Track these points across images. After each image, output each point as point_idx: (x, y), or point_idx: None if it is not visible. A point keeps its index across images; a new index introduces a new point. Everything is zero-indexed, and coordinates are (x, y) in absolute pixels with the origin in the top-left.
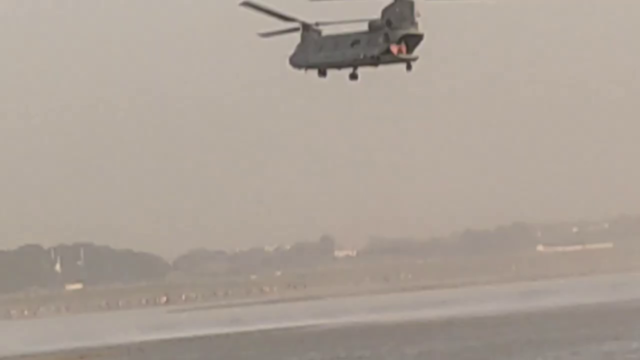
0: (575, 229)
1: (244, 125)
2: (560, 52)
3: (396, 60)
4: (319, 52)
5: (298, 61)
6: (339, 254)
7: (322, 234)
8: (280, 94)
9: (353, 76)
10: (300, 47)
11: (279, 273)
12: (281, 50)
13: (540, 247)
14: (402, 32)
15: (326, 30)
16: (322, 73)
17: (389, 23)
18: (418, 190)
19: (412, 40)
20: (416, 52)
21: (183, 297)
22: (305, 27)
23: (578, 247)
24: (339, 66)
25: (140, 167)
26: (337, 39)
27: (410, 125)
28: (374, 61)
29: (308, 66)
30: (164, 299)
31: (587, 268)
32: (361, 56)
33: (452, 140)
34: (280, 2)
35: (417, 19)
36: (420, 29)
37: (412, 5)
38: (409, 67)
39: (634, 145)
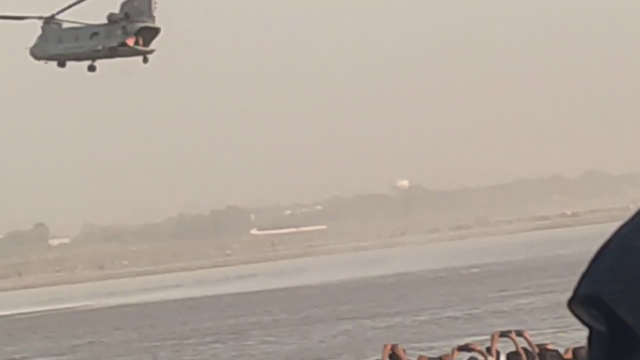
0: (288, 212)
1: None
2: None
3: (133, 52)
4: (59, 44)
5: (38, 53)
6: (53, 242)
7: (36, 222)
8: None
9: (91, 68)
10: (41, 39)
11: None
12: (22, 41)
13: (254, 231)
14: (139, 25)
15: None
16: (62, 64)
17: (127, 16)
18: (131, 178)
19: (149, 34)
20: (153, 44)
21: None
22: (46, 20)
23: (292, 230)
24: (78, 58)
25: None
26: (77, 31)
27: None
28: (112, 53)
29: (49, 58)
30: None
31: (301, 250)
32: (99, 47)
33: (170, 133)
34: None
35: (154, 13)
36: (157, 23)
37: None
38: (145, 60)
39: (356, 130)
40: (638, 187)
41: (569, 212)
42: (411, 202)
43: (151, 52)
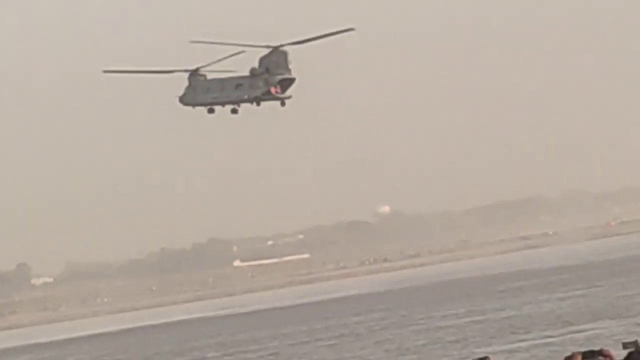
0: (270, 242)
1: None
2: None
3: (273, 99)
4: (206, 93)
5: (188, 100)
6: (36, 281)
7: (18, 262)
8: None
9: (234, 111)
10: (189, 89)
11: None
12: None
13: (237, 262)
14: (279, 77)
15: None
16: (211, 110)
17: (267, 70)
18: (108, 214)
19: (287, 83)
20: (289, 92)
21: None
22: (192, 73)
23: (275, 260)
24: (224, 104)
25: None
26: (223, 82)
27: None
28: (256, 100)
29: (197, 104)
30: None
31: (285, 280)
32: (245, 97)
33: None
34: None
35: (290, 66)
36: (293, 74)
37: (286, 55)
38: (282, 104)
39: (316, 157)
40: (620, 204)
41: (550, 232)
42: (393, 227)
43: (288, 97)
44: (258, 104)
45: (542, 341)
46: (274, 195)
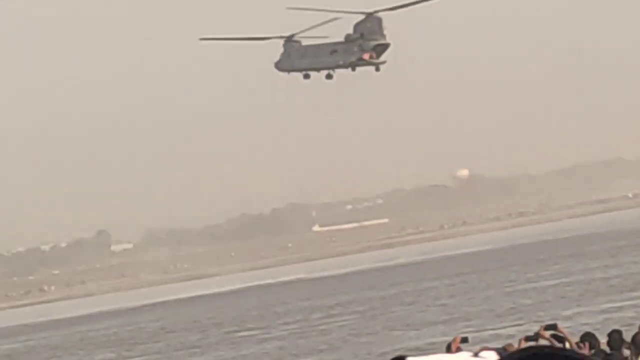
0: (349, 207)
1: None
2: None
3: (368, 64)
4: (302, 59)
5: (284, 66)
6: (115, 248)
7: (98, 229)
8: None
9: (329, 76)
10: (284, 55)
11: (56, 272)
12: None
13: (316, 227)
14: (373, 43)
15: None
16: (307, 76)
17: (362, 35)
18: (191, 179)
19: (381, 49)
20: (383, 57)
21: None
22: (286, 39)
23: (354, 225)
24: (318, 70)
25: None
26: (317, 48)
27: None
28: (351, 66)
29: (293, 70)
30: None
31: (364, 245)
32: (340, 62)
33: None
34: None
35: (384, 32)
36: (387, 39)
37: (380, 20)
38: (377, 69)
39: (399, 122)
40: None
41: (630, 195)
42: (472, 191)
43: (382, 63)
44: (353, 69)
45: (630, 302)
46: (354, 160)
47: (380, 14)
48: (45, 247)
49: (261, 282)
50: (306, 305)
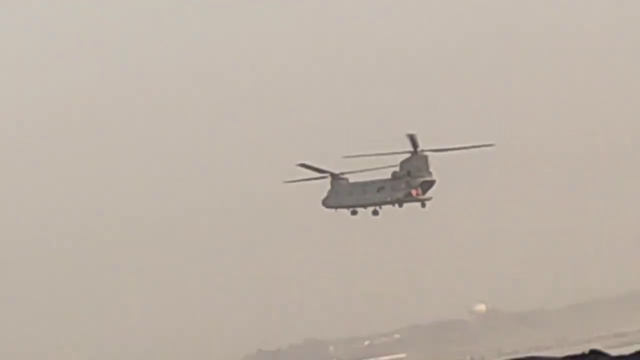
0: (367, 342)
1: None
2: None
3: (414, 200)
4: (349, 196)
5: (331, 203)
6: None
7: None
8: None
9: (375, 212)
10: (332, 192)
11: None
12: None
13: None
14: (420, 180)
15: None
16: (354, 212)
17: (409, 173)
18: (202, 317)
19: (427, 185)
20: (428, 193)
21: None
22: (334, 176)
23: None
24: (365, 206)
25: None
26: (364, 185)
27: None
28: (398, 202)
29: (340, 206)
30: None
31: None
32: (388, 199)
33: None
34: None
35: (430, 169)
36: (433, 176)
37: (426, 158)
38: (423, 205)
39: (419, 255)
40: None
41: None
42: (489, 325)
43: (429, 199)
44: (400, 205)
45: None
46: (373, 293)
47: (426, 153)
48: None
49: None
50: None
